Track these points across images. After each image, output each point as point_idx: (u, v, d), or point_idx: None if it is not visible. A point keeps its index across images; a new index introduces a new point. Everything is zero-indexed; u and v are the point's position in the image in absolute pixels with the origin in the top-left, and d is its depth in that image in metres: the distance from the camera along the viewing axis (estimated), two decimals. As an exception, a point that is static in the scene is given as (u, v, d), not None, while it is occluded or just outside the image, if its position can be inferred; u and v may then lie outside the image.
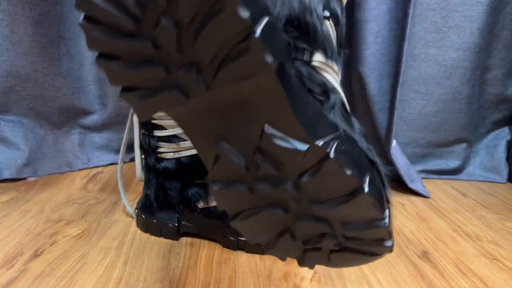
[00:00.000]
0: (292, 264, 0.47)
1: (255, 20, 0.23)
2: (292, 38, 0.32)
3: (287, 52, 0.27)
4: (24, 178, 0.73)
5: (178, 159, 0.49)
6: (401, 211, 0.65)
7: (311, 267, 0.34)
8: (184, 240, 0.52)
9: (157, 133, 0.49)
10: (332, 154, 0.26)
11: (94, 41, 0.25)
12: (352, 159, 0.28)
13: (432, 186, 0.78)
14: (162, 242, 0.51)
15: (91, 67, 0.79)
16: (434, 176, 0.82)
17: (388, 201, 0.29)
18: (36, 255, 0.47)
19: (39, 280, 0.42)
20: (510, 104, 0.81)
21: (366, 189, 0.27)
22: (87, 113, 0.81)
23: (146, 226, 0.53)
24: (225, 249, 0.50)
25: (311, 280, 0.44)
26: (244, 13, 0.22)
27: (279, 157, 0.28)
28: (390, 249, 0.30)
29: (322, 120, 0.29)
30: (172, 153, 0.49)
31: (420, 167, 0.81)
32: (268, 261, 0.48)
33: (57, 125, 0.79)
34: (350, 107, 0.81)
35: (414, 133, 0.79)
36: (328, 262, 0.32)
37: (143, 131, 0.51)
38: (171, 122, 0.48)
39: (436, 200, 0.71)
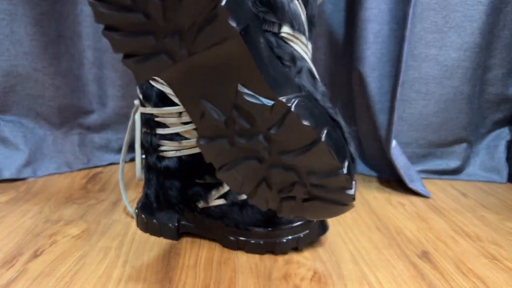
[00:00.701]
0: (292, 264, 0.47)
1: None
2: (262, 12, 0.38)
3: (255, 22, 0.33)
4: (24, 178, 0.73)
5: (179, 157, 0.49)
6: (401, 211, 0.65)
7: (289, 216, 0.39)
8: (184, 240, 0.52)
9: (160, 131, 0.49)
10: (293, 108, 0.31)
11: (100, 16, 0.32)
12: (312, 114, 0.32)
13: (432, 186, 0.77)
14: (162, 242, 0.51)
15: (90, 66, 0.79)
16: (435, 176, 0.82)
17: (351, 156, 0.34)
18: (35, 255, 0.47)
19: (39, 281, 0.42)
20: (510, 104, 0.81)
21: (323, 139, 0.32)
22: (87, 112, 0.81)
23: (146, 226, 0.53)
24: (225, 249, 0.50)
25: (311, 280, 0.44)
26: None
27: (251, 112, 0.33)
28: (352, 198, 0.34)
29: (288, 81, 0.34)
30: (174, 152, 0.49)
31: (420, 167, 0.81)
32: (268, 261, 0.48)
33: (57, 125, 0.79)
34: (349, 107, 0.82)
35: (415, 133, 0.79)
36: (303, 212, 0.37)
37: (145, 130, 0.51)
38: (174, 120, 0.48)
39: (436, 200, 0.71)
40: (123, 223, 0.56)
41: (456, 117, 0.78)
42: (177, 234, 0.52)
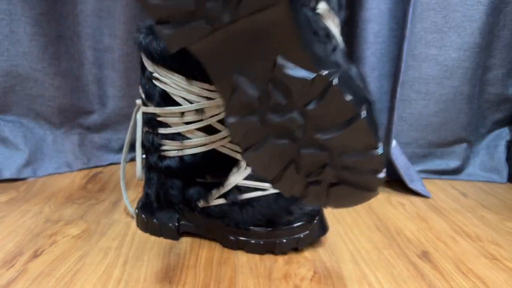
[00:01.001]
0: (292, 264, 0.47)
1: None
2: None
3: None
4: (24, 178, 0.73)
5: (181, 157, 0.49)
6: (401, 211, 0.65)
7: (312, 203, 0.37)
8: (184, 240, 0.52)
9: (162, 130, 0.49)
10: (335, 82, 0.30)
11: None
12: (351, 89, 0.31)
13: (432, 186, 0.77)
14: (162, 242, 0.51)
15: (91, 67, 0.79)
16: (435, 176, 0.82)
17: (380, 137, 0.33)
18: (35, 255, 0.47)
19: (39, 281, 0.42)
20: (510, 104, 0.81)
21: (363, 115, 0.31)
22: (87, 112, 0.81)
23: (146, 226, 0.53)
24: (225, 249, 0.50)
25: (311, 280, 0.44)
26: None
27: (289, 85, 0.31)
28: (382, 181, 0.33)
29: (326, 56, 0.33)
30: (175, 151, 0.49)
31: (420, 167, 0.81)
32: (268, 261, 0.47)
33: (57, 125, 0.79)
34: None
35: (415, 133, 0.79)
36: (328, 198, 0.36)
37: (147, 129, 0.51)
38: (176, 119, 0.48)
39: (436, 200, 0.71)
40: (123, 223, 0.56)
41: (456, 117, 0.78)
42: (177, 234, 0.52)
